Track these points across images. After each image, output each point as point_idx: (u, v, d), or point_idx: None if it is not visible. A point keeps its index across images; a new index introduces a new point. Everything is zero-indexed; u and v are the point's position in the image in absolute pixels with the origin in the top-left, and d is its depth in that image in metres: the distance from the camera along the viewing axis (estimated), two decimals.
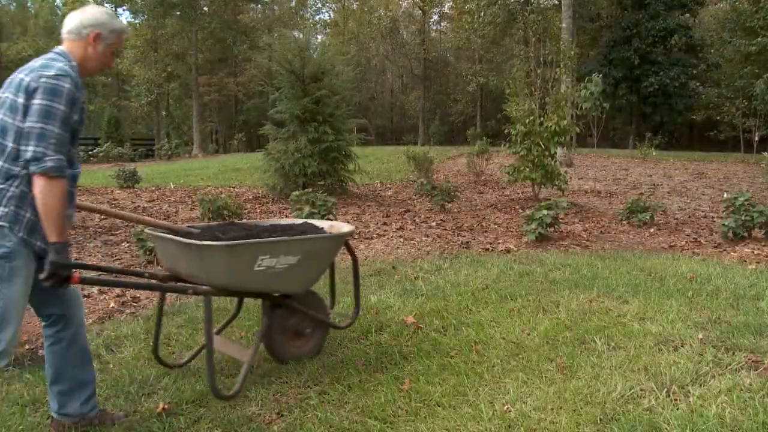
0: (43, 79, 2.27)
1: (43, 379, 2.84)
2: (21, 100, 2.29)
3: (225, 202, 7.67)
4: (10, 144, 2.30)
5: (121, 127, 30.66)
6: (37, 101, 2.25)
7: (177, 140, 30.19)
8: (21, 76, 2.35)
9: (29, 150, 2.22)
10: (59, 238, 2.27)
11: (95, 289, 4.93)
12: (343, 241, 3.45)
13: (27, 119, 2.25)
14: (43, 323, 2.59)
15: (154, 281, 3.16)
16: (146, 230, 3.26)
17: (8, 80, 2.40)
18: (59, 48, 2.49)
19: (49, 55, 2.45)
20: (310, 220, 3.81)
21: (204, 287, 2.88)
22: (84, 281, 2.53)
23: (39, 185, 2.23)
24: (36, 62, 2.40)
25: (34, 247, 2.36)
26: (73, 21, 2.49)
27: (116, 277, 3.22)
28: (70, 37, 2.48)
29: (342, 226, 3.59)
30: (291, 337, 3.41)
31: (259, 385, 3.12)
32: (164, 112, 37.73)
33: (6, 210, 2.28)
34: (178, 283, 3.08)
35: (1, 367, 2.33)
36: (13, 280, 2.30)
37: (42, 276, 2.29)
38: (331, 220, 7.19)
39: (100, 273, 3.03)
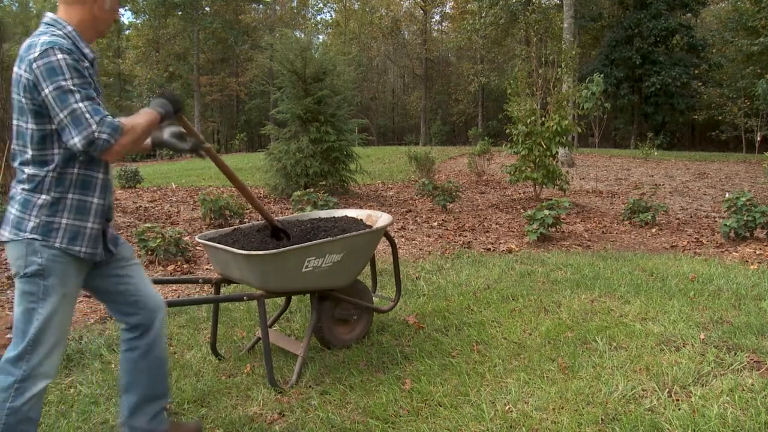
0: (33, 66, 2.00)
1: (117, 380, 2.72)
2: (24, 100, 2.06)
3: (227, 202, 7.68)
4: (29, 150, 2.09)
5: None
6: (44, 91, 2.00)
7: None
8: (18, 71, 2.09)
9: (76, 141, 1.98)
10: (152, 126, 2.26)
11: None
12: (383, 232, 3.54)
13: (53, 116, 2.02)
14: (122, 328, 2.44)
15: (213, 296, 3.35)
16: (197, 239, 3.30)
17: (13, 78, 2.17)
18: (49, 16, 2.17)
19: (39, 29, 2.15)
20: (349, 213, 3.88)
21: (257, 292, 3.08)
22: None
23: (114, 155, 2.06)
24: (23, 45, 2.10)
25: (80, 255, 2.13)
26: None
27: (180, 295, 3.27)
28: (68, 0, 2.16)
29: (380, 217, 3.66)
30: (338, 325, 3.62)
31: (260, 385, 3.12)
32: None
33: (37, 221, 2.06)
34: (233, 294, 3.32)
35: (38, 392, 2.13)
36: (48, 299, 2.09)
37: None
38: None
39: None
